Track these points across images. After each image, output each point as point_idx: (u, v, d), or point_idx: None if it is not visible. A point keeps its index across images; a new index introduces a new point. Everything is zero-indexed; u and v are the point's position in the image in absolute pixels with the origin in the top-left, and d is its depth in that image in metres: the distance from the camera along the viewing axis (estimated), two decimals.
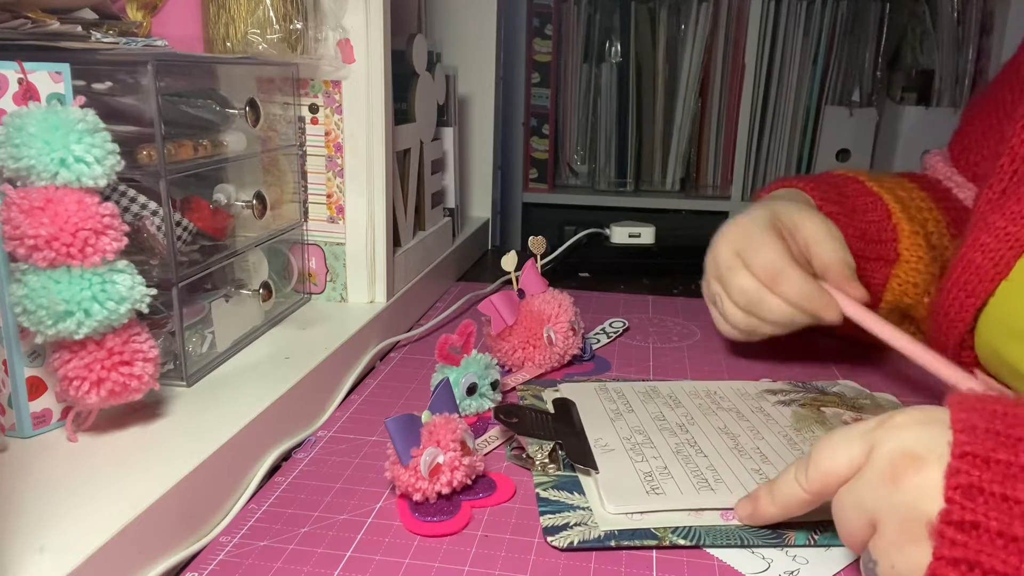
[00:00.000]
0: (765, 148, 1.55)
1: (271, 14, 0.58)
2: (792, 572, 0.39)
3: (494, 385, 0.54)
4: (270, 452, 0.49)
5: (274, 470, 0.48)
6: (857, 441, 0.35)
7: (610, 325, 0.75)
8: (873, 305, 0.66)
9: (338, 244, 0.69)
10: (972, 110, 0.74)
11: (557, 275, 0.93)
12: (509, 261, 0.65)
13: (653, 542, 0.40)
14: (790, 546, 0.41)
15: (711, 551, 0.40)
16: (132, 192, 0.50)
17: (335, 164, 0.67)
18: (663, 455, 0.48)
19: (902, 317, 0.68)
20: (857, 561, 0.40)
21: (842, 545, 0.40)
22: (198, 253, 0.55)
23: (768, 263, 0.57)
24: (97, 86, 0.49)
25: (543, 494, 0.45)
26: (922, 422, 0.33)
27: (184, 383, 0.51)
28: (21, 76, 0.41)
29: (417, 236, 0.81)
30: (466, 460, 0.44)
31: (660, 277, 0.96)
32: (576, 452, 0.48)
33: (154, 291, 0.43)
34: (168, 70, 0.52)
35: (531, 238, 0.68)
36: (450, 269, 0.91)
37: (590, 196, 1.55)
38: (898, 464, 0.32)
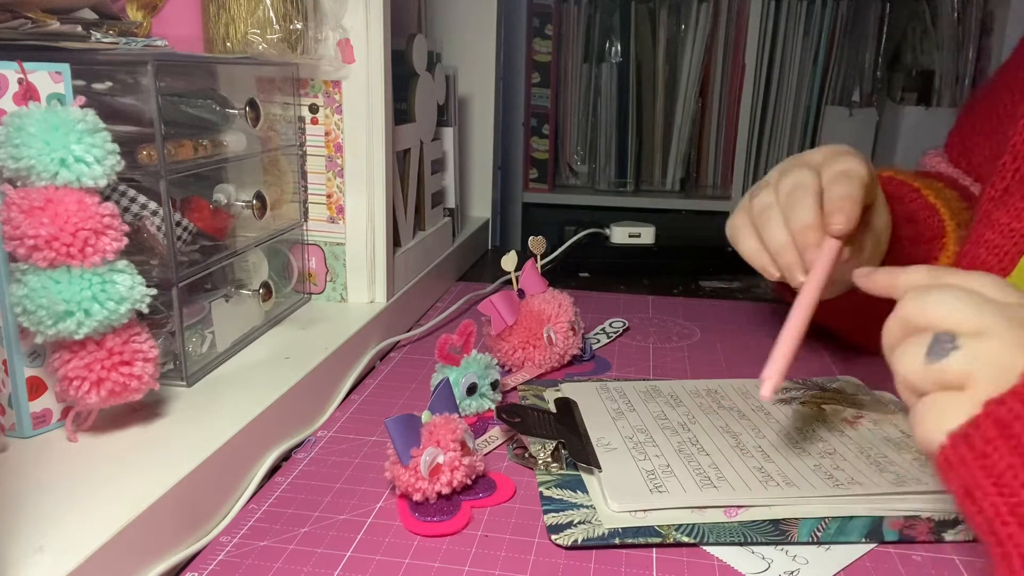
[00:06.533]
0: (765, 148, 1.55)
1: (271, 14, 0.58)
2: (792, 572, 0.39)
3: (494, 385, 0.54)
4: (270, 452, 0.48)
5: (274, 470, 0.48)
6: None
7: (610, 325, 0.75)
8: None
9: (338, 244, 0.69)
10: (970, 113, 0.74)
11: (557, 275, 0.93)
12: (509, 261, 0.65)
13: (657, 539, 0.40)
14: (791, 543, 0.41)
15: (711, 551, 0.40)
16: (132, 192, 0.50)
17: (335, 164, 0.67)
18: (665, 454, 0.48)
19: None
20: (856, 563, 0.40)
21: (842, 544, 0.41)
22: (198, 253, 0.55)
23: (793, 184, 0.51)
24: (97, 86, 0.49)
25: (546, 493, 0.45)
26: None
27: (184, 383, 0.51)
28: (21, 76, 0.41)
29: (417, 236, 0.81)
30: (466, 460, 0.44)
31: (660, 277, 0.95)
32: (579, 451, 0.48)
33: (154, 291, 0.43)
34: (168, 70, 0.52)
35: (531, 238, 0.68)
36: (450, 269, 0.91)
37: (590, 196, 1.55)
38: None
